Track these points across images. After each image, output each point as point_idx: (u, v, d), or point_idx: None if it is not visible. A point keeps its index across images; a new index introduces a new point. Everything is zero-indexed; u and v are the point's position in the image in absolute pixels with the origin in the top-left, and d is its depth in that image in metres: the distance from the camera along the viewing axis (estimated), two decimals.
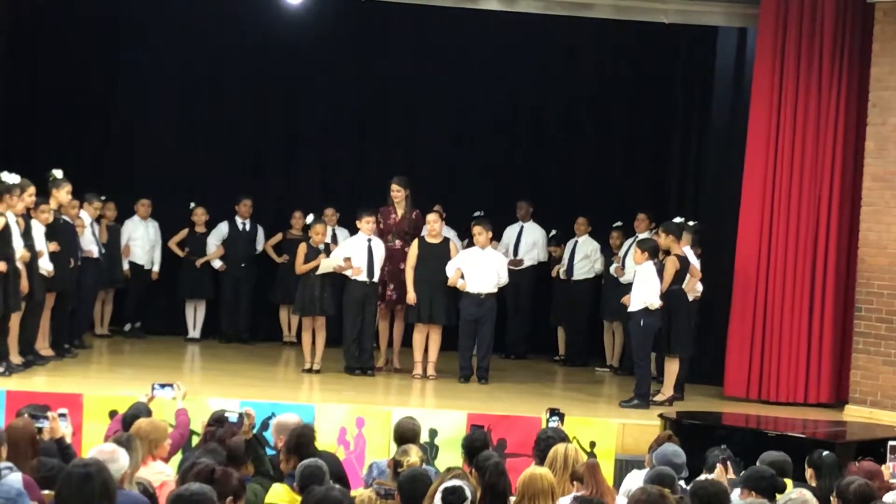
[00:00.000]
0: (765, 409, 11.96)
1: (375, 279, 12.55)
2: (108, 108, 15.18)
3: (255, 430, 7.93)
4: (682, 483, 7.29)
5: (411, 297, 12.58)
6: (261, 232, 14.69)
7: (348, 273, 12.44)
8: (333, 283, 12.64)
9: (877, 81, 11.95)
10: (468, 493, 6.06)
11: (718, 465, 7.61)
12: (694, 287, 12.03)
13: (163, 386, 8.75)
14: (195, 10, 14.55)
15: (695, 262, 12.04)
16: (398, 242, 12.86)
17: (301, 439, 7.41)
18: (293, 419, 8.11)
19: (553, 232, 14.67)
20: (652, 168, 15.31)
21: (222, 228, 14.53)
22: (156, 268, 14.54)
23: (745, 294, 12.44)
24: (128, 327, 14.47)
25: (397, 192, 12.92)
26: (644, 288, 11.53)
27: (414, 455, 7.34)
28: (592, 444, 10.32)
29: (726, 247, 12.79)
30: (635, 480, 7.57)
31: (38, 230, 11.38)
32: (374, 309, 12.76)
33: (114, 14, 14.90)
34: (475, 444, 7.81)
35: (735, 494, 7.09)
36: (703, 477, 7.23)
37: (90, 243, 12.86)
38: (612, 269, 13.91)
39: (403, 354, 13.20)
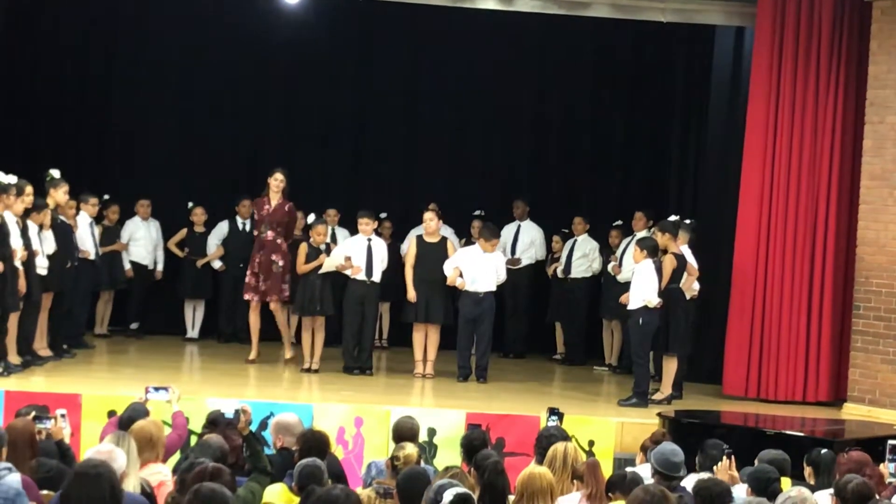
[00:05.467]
0: (763, 408, 11.95)
1: (375, 279, 12.54)
2: (107, 109, 15.18)
3: (253, 430, 7.92)
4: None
5: (411, 294, 12.59)
6: None
7: (349, 272, 12.44)
8: (333, 284, 12.65)
9: (874, 80, 11.95)
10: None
11: (725, 459, 7.57)
12: (691, 286, 12.03)
13: (157, 389, 8.64)
14: (194, 10, 14.53)
15: (692, 261, 12.04)
16: (270, 233, 12.75)
17: (315, 443, 7.40)
18: (292, 419, 8.11)
19: (565, 231, 14.64)
20: (651, 167, 15.31)
21: (223, 228, 14.53)
22: (160, 267, 14.57)
23: (744, 292, 12.44)
24: (135, 326, 14.47)
25: (281, 182, 12.75)
26: (643, 286, 11.53)
27: (410, 448, 7.34)
28: (591, 443, 10.32)
29: (725, 245, 12.79)
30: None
31: (33, 230, 11.37)
32: (375, 309, 12.78)
33: (113, 15, 14.91)
34: (474, 443, 7.80)
35: (742, 491, 7.10)
36: (705, 475, 7.22)
37: (87, 244, 12.85)
38: (609, 268, 13.91)
39: (400, 353, 13.19)
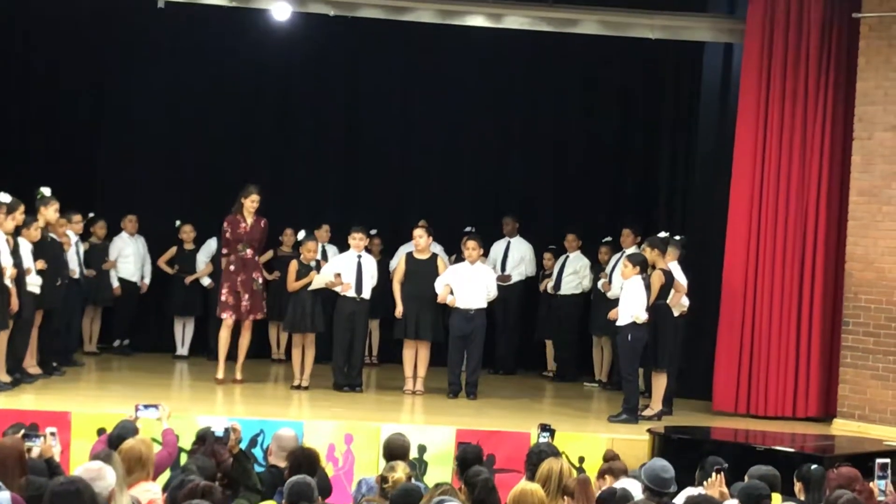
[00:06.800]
0: (753, 424, 11.94)
1: (365, 295, 12.54)
2: (97, 126, 15.17)
3: (243, 448, 7.90)
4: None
5: (399, 310, 12.59)
6: None
7: (338, 289, 12.44)
8: (324, 300, 12.64)
9: (863, 96, 12.00)
10: None
11: (714, 474, 7.57)
12: (679, 302, 12.05)
13: (146, 407, 8.59)
14: (184, 28, 14.54)
15: (680, 277, 12.06)
16: (249, 251, 12.66)
17: (305, 460, 7.40)
18: (288, 434, 8.11)
19: (552, 247, 14.67)
20: (640, 184, 15.34)
21: (211, 245, 14.50)
22: (146, 280, 14.53)
23: (733, 308, 12.46)
24: (116, 343, 14.46)
25: (258, 203, 12.61)
26: (631, 302, 11.54)
27: (400, 471, 7.33)
28: (581, 460, 10.32)
29: (714, 261, 12.81)
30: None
31: (25, 248, 11.37)
32: (365, 325, 12.77)
33: (103, 33, 14.89)
34: (468, 458, 7.80)
35: None
36: (695, 492, 7.22)
37: (72, 263, 12.82)
38: (599, 285, 13.92)
39: (391, 370, 13.17)
